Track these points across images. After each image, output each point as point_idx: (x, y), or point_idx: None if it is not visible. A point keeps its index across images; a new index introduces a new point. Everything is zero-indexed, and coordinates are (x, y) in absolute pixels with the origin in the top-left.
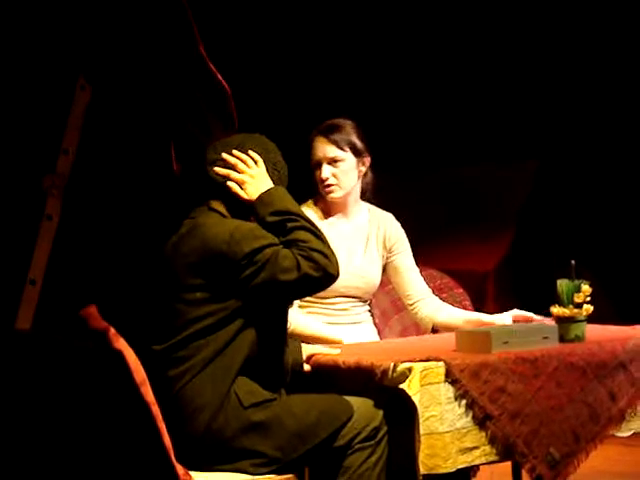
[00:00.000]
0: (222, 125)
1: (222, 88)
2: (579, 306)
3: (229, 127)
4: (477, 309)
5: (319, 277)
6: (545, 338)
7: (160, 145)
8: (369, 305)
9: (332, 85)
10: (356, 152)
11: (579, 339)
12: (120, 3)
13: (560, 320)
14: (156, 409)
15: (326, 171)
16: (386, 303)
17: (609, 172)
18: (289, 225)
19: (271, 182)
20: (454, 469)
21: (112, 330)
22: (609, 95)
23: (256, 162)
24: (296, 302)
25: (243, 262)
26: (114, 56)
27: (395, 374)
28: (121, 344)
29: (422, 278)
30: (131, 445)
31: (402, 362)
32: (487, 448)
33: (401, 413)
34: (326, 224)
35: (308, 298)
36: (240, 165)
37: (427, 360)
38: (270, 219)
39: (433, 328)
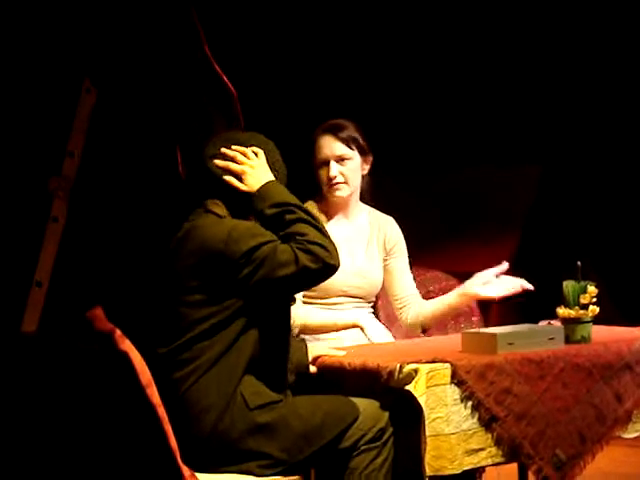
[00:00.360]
0: (228, 127)
1: (228, 90)
2: (585, 307)
3: (235, 129)
4: (482, 311)
5: (318, 269)
6: (551, 339)
7: (166, 148)
8: (373, 308)
9: (333, 89)
10: (362, 151)
11: (585, 340)
12: (125, 6)
13: (566, 321)
14: (162, 410)
15: (334, 169)
16: (391, 308)
17: (614, 174)
18: (288, 217)
19: (271, 174)
20: (460, 471)
21: (118, 332)
22: (613, 100)
23: (256, 154)
24: (300, 299)
25: (241, 261)
26: (119, 59)
27: (401, 375)
28: (127, 346)
29: (414, 283)
30: (137, 447)
31: (408, 363)
32: (493, 450)
33: (407, 414)
34: (327, 225)
35: (311, 297)
36: (239, 157)
37: (433, 361)
38: (269, 212)
39: (423, 329)
